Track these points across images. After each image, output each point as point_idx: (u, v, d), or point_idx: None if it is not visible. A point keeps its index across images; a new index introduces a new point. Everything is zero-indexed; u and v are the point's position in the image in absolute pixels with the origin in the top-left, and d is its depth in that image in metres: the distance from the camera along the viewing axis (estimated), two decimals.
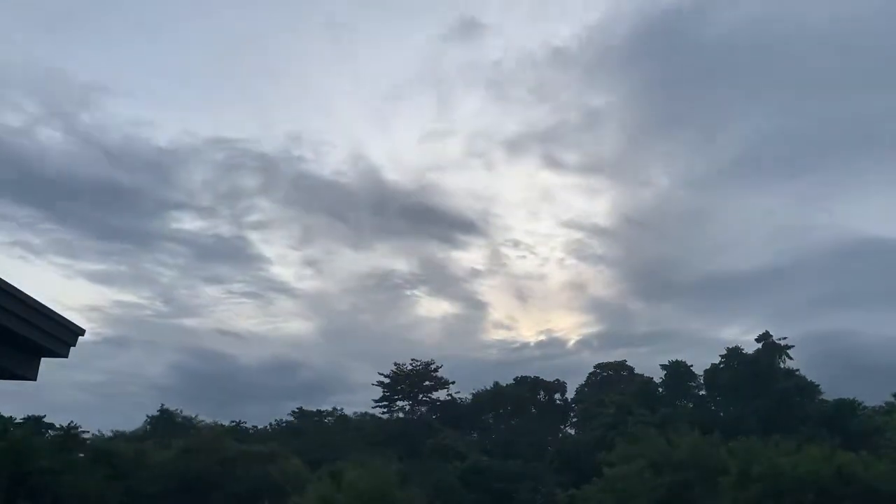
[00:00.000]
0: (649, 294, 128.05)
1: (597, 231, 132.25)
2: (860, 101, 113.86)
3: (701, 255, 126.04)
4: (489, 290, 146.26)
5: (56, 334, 5.66)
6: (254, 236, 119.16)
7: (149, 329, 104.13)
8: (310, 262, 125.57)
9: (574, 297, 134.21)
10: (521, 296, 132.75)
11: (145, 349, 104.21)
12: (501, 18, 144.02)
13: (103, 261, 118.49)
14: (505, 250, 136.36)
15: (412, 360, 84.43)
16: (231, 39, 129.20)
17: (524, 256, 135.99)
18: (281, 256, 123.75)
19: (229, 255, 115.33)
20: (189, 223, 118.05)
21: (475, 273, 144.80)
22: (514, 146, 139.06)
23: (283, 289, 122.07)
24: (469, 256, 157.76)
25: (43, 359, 6.00)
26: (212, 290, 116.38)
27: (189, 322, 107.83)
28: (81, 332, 5.96)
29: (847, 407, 50.38)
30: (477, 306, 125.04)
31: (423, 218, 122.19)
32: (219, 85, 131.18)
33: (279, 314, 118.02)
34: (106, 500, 44.57)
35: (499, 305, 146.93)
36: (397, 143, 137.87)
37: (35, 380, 5.86)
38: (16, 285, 5.12)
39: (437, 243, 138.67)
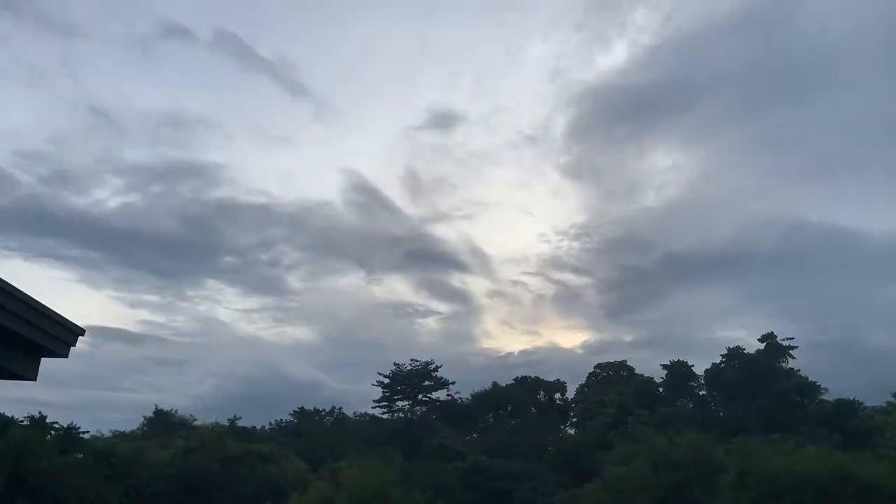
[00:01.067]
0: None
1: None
2: None
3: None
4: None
5: (56, 334, 5.67)
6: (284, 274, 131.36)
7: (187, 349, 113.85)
8: (334, 293, 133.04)
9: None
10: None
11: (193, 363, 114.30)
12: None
13: (156, 293, 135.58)
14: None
15: (412, 360, 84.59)
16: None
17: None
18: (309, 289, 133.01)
19: (265, 289, 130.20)
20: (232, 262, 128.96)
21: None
22: None
23: (310, 315, 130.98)
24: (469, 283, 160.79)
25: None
26: (251, 318, 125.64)
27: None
28: (81, 332, 5.97)
29: (847, 407, 50.38)
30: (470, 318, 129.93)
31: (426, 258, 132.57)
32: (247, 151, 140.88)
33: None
34: (105, 500, 44.55)
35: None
36: None
37: (35, 380, 5.87)
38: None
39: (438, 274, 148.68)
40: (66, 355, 5.95)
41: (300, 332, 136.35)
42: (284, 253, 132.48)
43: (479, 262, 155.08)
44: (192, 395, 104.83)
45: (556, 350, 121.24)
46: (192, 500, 46.18)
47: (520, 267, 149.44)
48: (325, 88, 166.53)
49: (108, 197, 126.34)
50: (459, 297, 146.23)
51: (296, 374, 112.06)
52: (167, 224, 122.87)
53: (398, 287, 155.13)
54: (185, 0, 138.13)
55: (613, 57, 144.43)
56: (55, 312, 5.56)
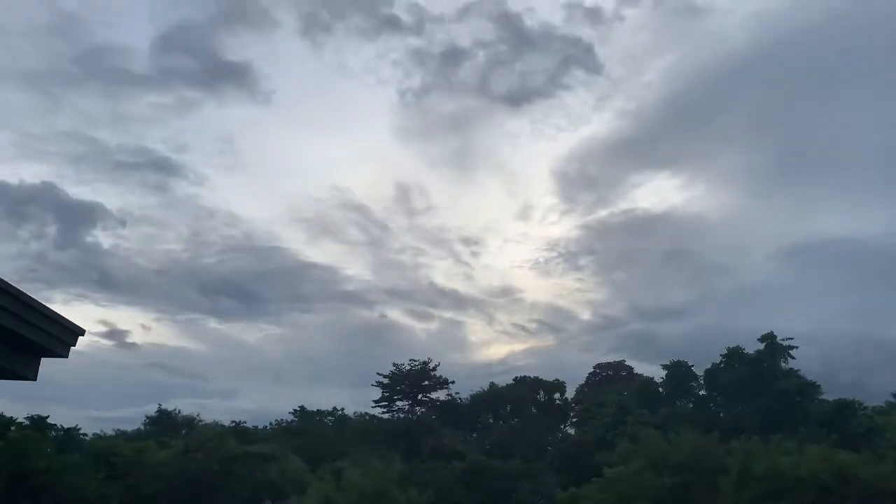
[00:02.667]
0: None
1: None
2: None
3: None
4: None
5: (56, 334, 5.65)
6: None
7: None
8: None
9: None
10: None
11: None
12: None
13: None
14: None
15: (410, 360, 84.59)
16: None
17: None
18: None
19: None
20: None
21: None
22: None
23: None
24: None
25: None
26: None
27: None
28: (81, 332, 5.96)
29: (847, 407, 50.36)
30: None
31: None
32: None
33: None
34: (106, 500, 44.55)
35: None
36: None
37: (35, 379, 5.85)
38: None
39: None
40: (66, 355, 5.94)
41: None
42: None
43: None
44: None
45: None
46: (191, 500, 46.15)
47: None
48: None
49: None
50: None
51: None
52: None
53: None
54: None
55: None
56: (55, 312, 5.55)
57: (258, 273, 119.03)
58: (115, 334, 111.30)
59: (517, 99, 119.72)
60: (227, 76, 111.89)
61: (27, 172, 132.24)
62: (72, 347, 5.96)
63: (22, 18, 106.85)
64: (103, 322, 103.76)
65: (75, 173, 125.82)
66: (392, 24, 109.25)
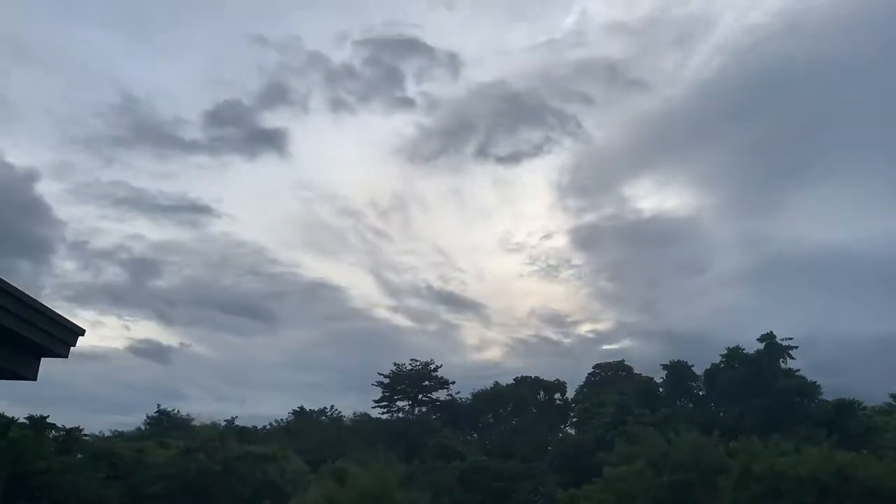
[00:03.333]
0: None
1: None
2: None
3: None
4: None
5: (56, 334, 5.66)
6: None
7: None
8: None
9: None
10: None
11: None
12: None
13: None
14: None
15: (412, 360, 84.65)
16: None
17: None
18: None
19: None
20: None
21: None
22: None
23: None
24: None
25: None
26: None
27: None
28: (81, 332, 5.97)
29: (847, 407, 50.39)
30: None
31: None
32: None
33: None
34: (106, 500, 44.55)
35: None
36: None
37: (35, 380, 5.87)
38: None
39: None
40: (66, 355, 5.95)
41: None
42: None
43: None
44: None
45: None
46: (191, 501, 46.15)
47: None
48: None
49: None
50: None
51: None
52: None
53: None
54: None
55: None
56: (55, 312, 5.56)
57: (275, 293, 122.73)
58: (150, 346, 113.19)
59: (515, 158, 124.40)
60: (262, 141, 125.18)
61: (78, 212, 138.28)
62: (72, 347, 5.97)
63: (93, 98, 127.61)
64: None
65: (117, 213, 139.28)
66: (406, 104, 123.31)
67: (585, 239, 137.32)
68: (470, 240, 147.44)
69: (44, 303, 5.40)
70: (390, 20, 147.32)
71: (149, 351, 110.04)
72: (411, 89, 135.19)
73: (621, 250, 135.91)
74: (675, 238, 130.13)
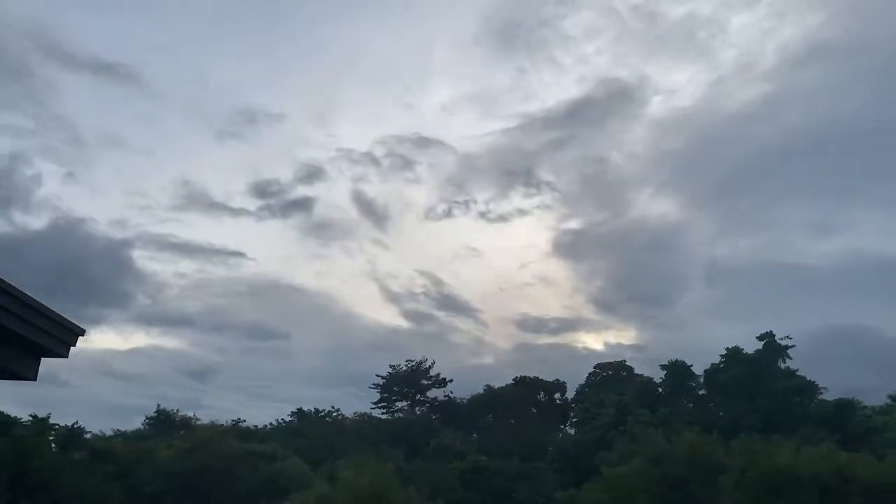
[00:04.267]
0: None
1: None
2: None
3: None
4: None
5: (56, 334, 5.67)
6: None
7: None
8: None
9: None
10: None
11: None
12: None
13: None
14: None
15: (406, 360, 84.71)
16: None
17: None
18: None
19: None
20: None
21: None
22: None
23: None
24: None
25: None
26: None
27: None
28: (82, 332, 5.97)
29: (847, 407, 50.37)
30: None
31: None
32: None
33: None
34: (106, 499, 44.58)
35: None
36: None
37: (35, 380, 5.87)
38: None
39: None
40: (66, 355, 5.95)
41: None
42: None
43: None
44: None
45: None
46: (192, 500, 46.19)
47: None
48: None
49: None
50: None
51: None
52: None
53: None
54: None
55: None
56: (55, 312, 5.57)
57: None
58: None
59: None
60: (295, 208, 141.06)
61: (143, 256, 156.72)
62: (71, 347, 5.98)
63: (158, 186, 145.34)
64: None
65: (159, 252, 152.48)
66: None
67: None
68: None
69: (43, 303, 5.41)
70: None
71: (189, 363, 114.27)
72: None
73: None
74: None
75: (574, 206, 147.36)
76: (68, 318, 5.77)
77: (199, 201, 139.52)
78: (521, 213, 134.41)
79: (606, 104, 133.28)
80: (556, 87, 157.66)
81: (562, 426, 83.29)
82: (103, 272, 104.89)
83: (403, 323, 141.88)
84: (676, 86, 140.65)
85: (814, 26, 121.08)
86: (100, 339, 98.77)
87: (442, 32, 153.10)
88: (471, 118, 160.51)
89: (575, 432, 73.81)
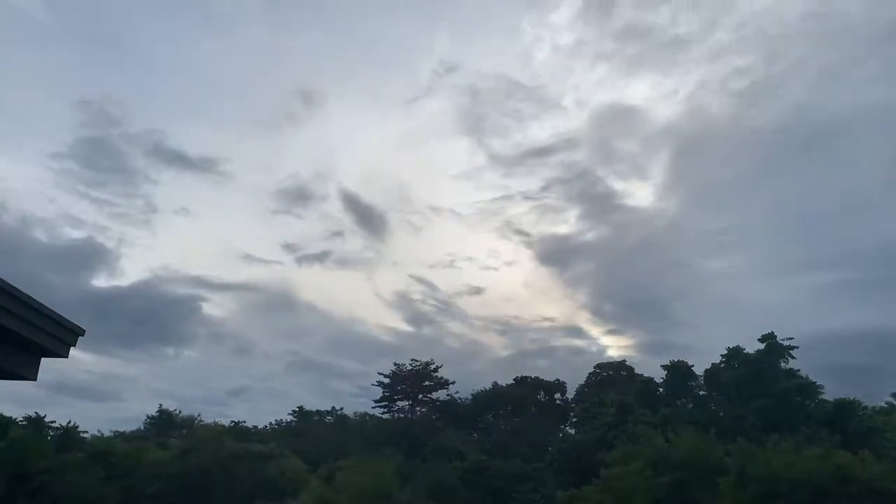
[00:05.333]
0: None
1: None
2: None
3: None
4: None
5: (56, 334, 5.65)
6: None
7: None
8: None
9: None
10: None
11: None
12: None
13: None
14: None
15: (412, 360, 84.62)
16: None
17: None
18: None
19: None
20: None
21: None
22: None
23: None
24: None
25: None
26: None
27: None
28: (81, 332, 5.96)
29: (847, 407, 50.31)
30: None
31: None
32: None
33: None
34: (104, 499, 44.56)
35: None
36: None
37: (35, 380, 5.85)
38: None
39: None
40: (66, 355, 5.94)
41: None
42: None
43: None
44: None
45: None
46: (190, 500, 46.15)
47: None
48: None
49: None
50: None
51: None
52: None
53: None
54: None
55: None
56: (55, 312, 5.55)
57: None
58: None
59: None
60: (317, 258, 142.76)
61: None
62: (72, 347, 5.96)
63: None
64: None
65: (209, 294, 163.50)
66: None
67: None
68: None
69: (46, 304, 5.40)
70: None
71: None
72: None
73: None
74: None
75: None
76: (69, 319, 5.76)
77: (240, 256, 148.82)
78: None
79: None
80: None
81: (562, 426, 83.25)
82: (174, 316, 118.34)
83: (406, 327, 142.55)
84: None
85: None
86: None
87: None
88: None
89: (575, 432, 73.80)
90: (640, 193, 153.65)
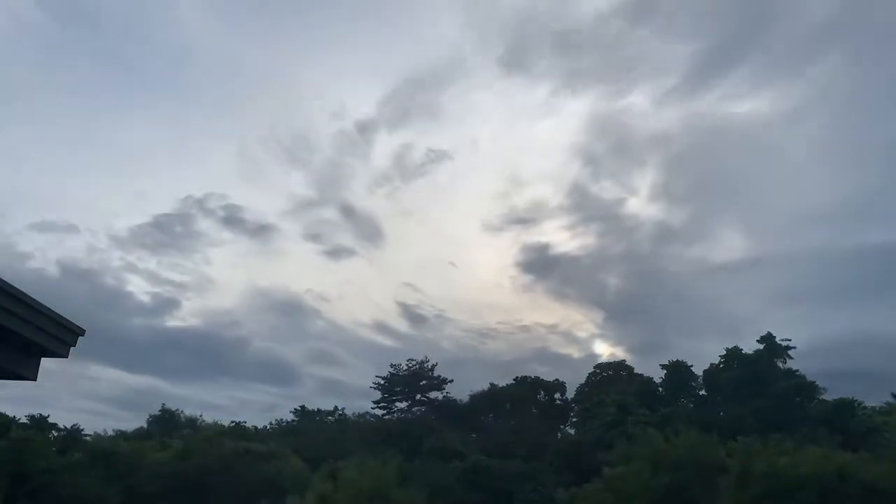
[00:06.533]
0: None
1: None
2: None
3: None
4: None
5: (56, 334, 5.66)
6: None
7: None
8: None
9: None
10: None
11: None
12: None
13: None
14: None
15: (408, 360, 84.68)
16: None
17: None
18: None
19: None
20: None
21: None
22: None
23: None
24: None
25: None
26: None
27: None
28: (82, 332, 5.96)
29: (847, 407, 50.35)
30: None
31: None
32: None
33: None
34: (105, 499, 44.56)
35: None
36: None
37: (35, 380, 5.86)
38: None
39: None
40: (66, 355, 5.94)
41: None
42: None
43: None
44: None
45: None
46: (191, 500, 46.15)
47: None
48: None
49: None
50: None
51: None
52: None
53: None
54: None
55: None
56: (55, 312, 5.56)
57: None
58: None
59: None
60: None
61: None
62: (72, 347, 5.97)
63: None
64: None
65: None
66: None
67: None
68: None
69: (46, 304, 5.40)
70: None
71: None
72: None
73: None
74: None
75: None
76: (69, 319, 5.76)
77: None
78: None
79: None
80: None
81: (562, 426, 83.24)
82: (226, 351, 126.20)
83: (405, 327, 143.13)
84: None
85: None
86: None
87: None
88: None
89: (575, 432, 73.79)
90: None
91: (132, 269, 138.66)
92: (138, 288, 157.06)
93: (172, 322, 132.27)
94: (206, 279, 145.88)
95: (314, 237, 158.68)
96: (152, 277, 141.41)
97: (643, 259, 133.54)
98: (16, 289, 5.07)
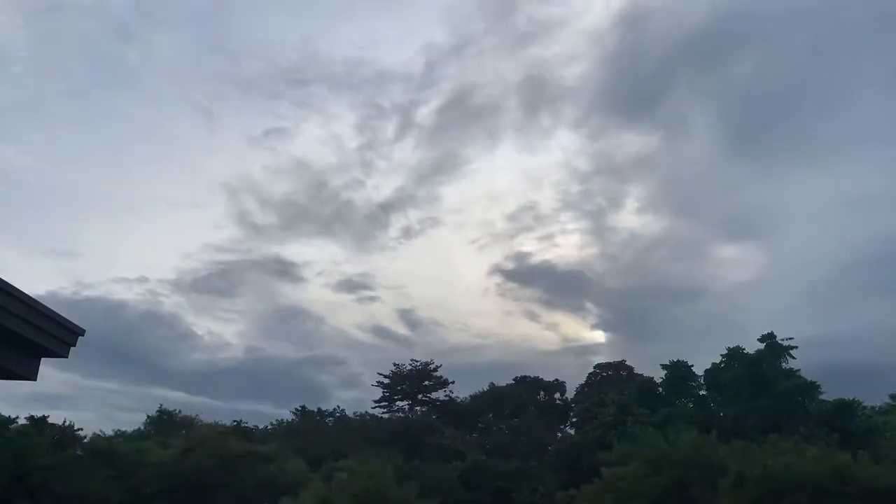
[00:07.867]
0: None
1: None
2: None
3: None
4: None
5: (56, 334, 5.66)
6: None
7: None
8: None
9: None
10: None
11: None
12: None
13: None
14: None
15: (411, 360, 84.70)
16: None
17: None
18: None
19: None
20: None
21: None
22: None
23: None
24: None
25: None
26: None
27: None
28: (81, 332, 5.96)
29: (847, 407, 50.30)
30: None
31: None
32: None
33: None
34: (105, 499, 44.55)
35: None
36: None
37: (35, 380, 5.86)
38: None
39: None
40: (66, 355, 5.94)
41: None
42: None
43: None
44: None
45: None
46: (191, 500, 46.15)
47: None
48: None
49: None
50: None
51: None
52: None
53: None
54: None
55: None
56: (55, 312, 5.56)
57: None
58: None
59: None
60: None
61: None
62: (72, 347, 5.97)
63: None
64: None
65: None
66: None
67: None
68: None
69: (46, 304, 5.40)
70: None
71: None
72: None
73: None
74: None
75: None
76: (69, 319, 5.76)
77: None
78: None
79: None
80: None
81: (562, 426, 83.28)
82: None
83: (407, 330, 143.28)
84: None
85: None
86: None
87: None
88: None
89: (575, 432, 73.80)
90: None
91: None
92: None
93: None
94: None
95: None
96: None
97: (643, 259, 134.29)
98: (16, 289, 5.07)
